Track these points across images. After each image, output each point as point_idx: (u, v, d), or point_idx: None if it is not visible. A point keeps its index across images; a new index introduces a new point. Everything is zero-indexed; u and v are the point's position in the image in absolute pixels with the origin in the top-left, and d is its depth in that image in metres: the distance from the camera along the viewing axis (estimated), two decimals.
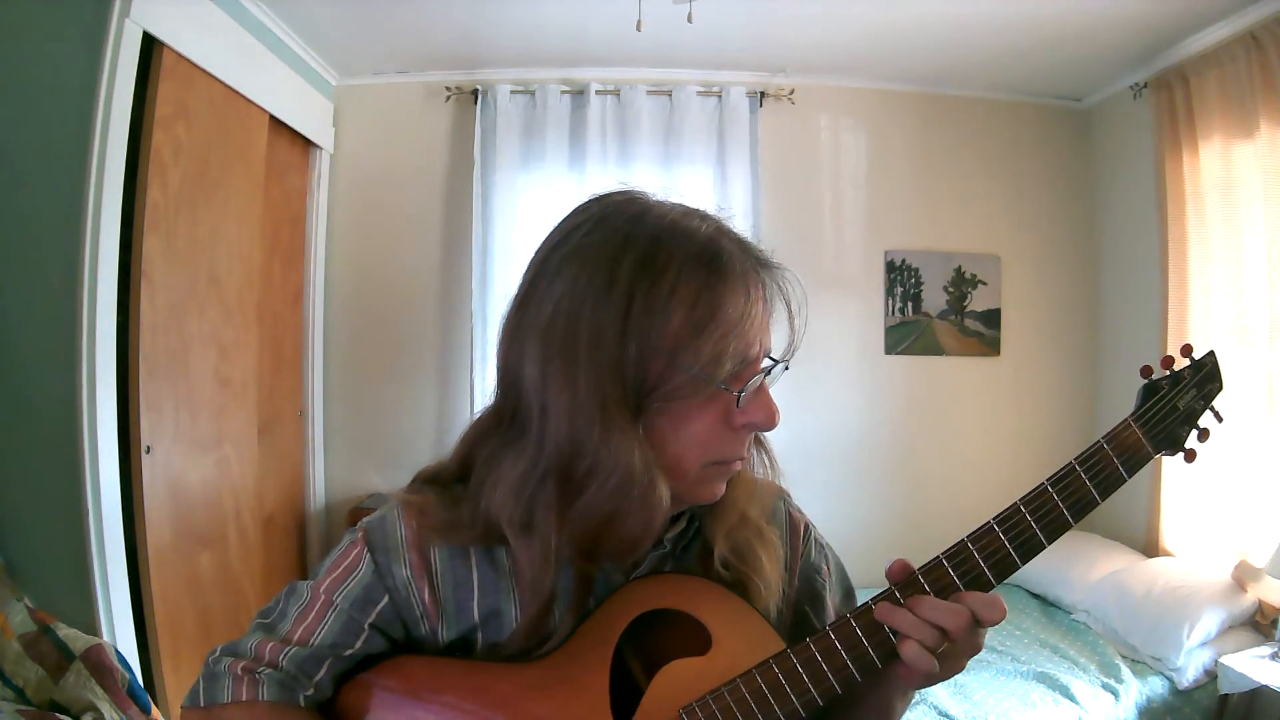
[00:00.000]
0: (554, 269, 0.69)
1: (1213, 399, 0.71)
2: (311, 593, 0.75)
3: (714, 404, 0.69)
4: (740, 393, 0.68)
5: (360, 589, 0.74)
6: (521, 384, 0.70)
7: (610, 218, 0.70)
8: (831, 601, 0.86)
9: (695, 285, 0.66)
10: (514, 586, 0.75)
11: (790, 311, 0.72)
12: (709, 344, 0.65)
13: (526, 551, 0.71)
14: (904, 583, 0.69)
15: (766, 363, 0.71)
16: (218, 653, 0.76)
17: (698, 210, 0.72)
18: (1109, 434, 0.70)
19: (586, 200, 0.74)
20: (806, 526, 0.88)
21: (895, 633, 0.68)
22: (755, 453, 0.79)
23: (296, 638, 0.74)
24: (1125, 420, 0.70)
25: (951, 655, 0.68)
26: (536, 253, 0.73)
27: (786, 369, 0.73)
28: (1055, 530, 0.68)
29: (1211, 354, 0.72)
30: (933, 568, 0.69)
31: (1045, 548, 0.68)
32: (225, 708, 0.73)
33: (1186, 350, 0.72)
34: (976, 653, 0.69)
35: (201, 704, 0.74)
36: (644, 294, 0.65)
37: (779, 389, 0.73)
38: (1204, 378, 0.71)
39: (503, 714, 0.72)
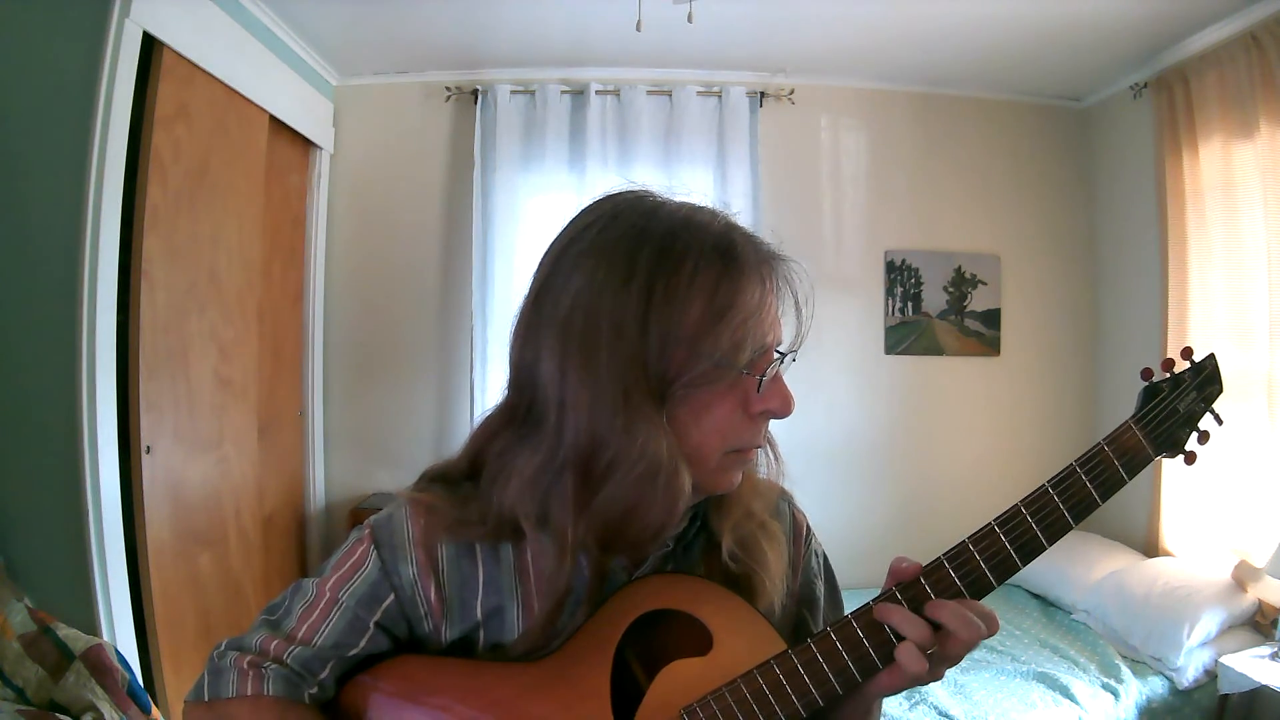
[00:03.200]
0: (570, 265, 0.70)
1: (1213, 401, 0.71)
2: (317, 590, 0.75)
3: (733, 392, 0.70)
4: (761, 378, 0.69)
5: (366, 587, 0.74)
6: (537, 379, 0.71)
7: (624, 214, 0.71)
8: (825, 614, 0.87)
9: (713, 275, 0.67)
10: (517, 584, 0.75)
11: (798, 303, 0.74)
12: (729, 331, 0.67)
13: (542, 545, 0.72)
14: (905, 584, 0.70)
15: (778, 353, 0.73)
16: (223, 647, 0.76)
17: (706, 207, 0.74)
18: (1109, 436, 0.70)
19: (597, 199, 0.75)
20: (808, 530, 0.89)
21: (897, 634, 0.68)
22: (760, 450, 0.79)
23: (301, 636, 0.74)
24: (1126, 423, 0.70)
25: (935, 659, 0.68)
26: (548, 250, 0.73)
27: (795, 360, 0.74)
28: (1056, 532, 0.68)
29: (1211, 356, 0.72)
30: (934, 569, 0.69)
31: (1046, 549, 0.68)
32: (230, 702, 0.73)
33: (1187, 353, 0.72)
34: (956, 663, 0.69)
35: (206, 698, 0.74)
36: (664, 284, 0.66)
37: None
38: (1204, 380, 0.71)
39: (502, 714, 0.72)
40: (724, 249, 0.69)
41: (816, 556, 0.89)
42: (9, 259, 1.99)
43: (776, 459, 0.80)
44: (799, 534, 0.87)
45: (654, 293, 0.66)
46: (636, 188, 0.75)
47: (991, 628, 0.67)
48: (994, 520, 0.69)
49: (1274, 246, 2.60)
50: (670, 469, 0.67)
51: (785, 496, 0.88)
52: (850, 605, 0.73)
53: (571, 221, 0.74)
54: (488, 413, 0.78)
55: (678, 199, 0.74)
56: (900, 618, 0.67)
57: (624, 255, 0.68)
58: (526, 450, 0.71)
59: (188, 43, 2.29)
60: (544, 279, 0.72)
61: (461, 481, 0.77)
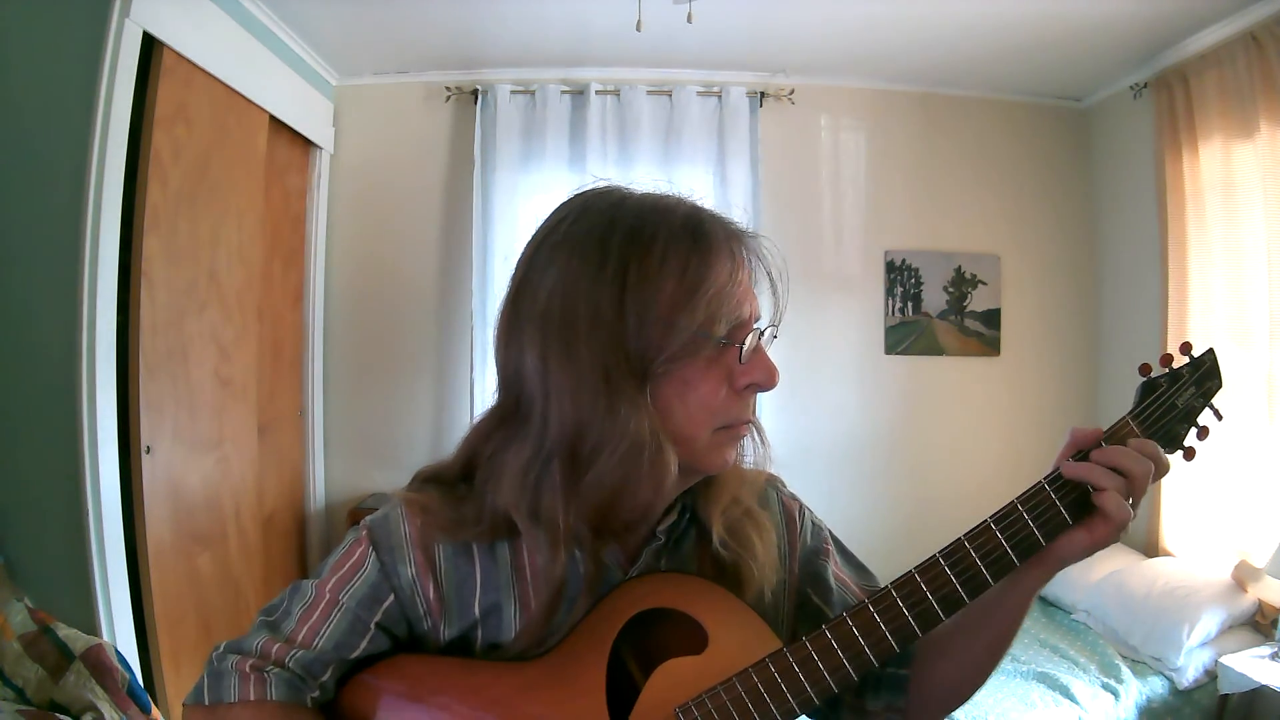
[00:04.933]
0: (544, 260, 0.71)
1: (1212, 397, 0.71)
2: (316, 592, 0.75)
3: (716, 367, 0.71)
4: (742, 347, 0.70)
5: (366, 588, 0.74)
6: (522, 375, 0.71)
7: (593, 206, 0.73)
8: (841, 575, 0.86)
9: (683, 254, 0.69)
10: (514, 582, 0.75)
11: (772, 278, 0.75)
12: (703, 304, 0.68)
13: (536, 538, 0.72)
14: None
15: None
16: (222, 649, 0.76)
17: (671, 194, 0.75)
18: (1107, 432, 0.70)
19: (566, 198, 0.76)
20: (801, 510, 0.88)
21: (1092, 487, 0.67)
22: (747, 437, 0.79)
23: (302, 638, 0.74)
24: (1123, 418, 0.70)
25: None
26: (524, 250, 0.75)
27: (775, 336, 0.75)
28: (1053, 529, 0.68)
29: (1210, 351, 0.72)
30: (929, 566, 0.69)
31: (1043, 547, 0.68)
32: (232, 707, 0.73)
33: (1185, 348, 0.72)
34: (1129, 520, 0.68)
35: (206, 702, 0.74)
36: (636, 267, 0.68)
37: (782, 386, 0.75)
38: (1203, 375, 0.71)
39: (499, 713, 0.72)
40: (692, 228, 0.70)
41: (816, 533, 0.88)
42: (10, 259, 1.99)
43: (763, 442, 0.80)
44: (790, 519, 0.87)
45: (627, 276, 0.68)
46: (602, 182, 0.77)
47: (1163, 460, 0.68)
48: (990, 517, 0.69)
49: (1274, 246, 2.60)
50: (654, 445, 0.68)
51: (773, 483, 0.88)
52: None
53: (544, 220, 0.76)
54: (480, 416, 0.78)
55: (642, 189, 0.75)
56: (1089, 471, 0.67)
57: (595, 243, 0.69)
58: (515, 446, 0.72)
59: (188, 43, 2.29)
60: (520, 277, 0.73)
61: (456, 482, 0.77)
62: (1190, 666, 2.44)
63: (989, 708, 2.33)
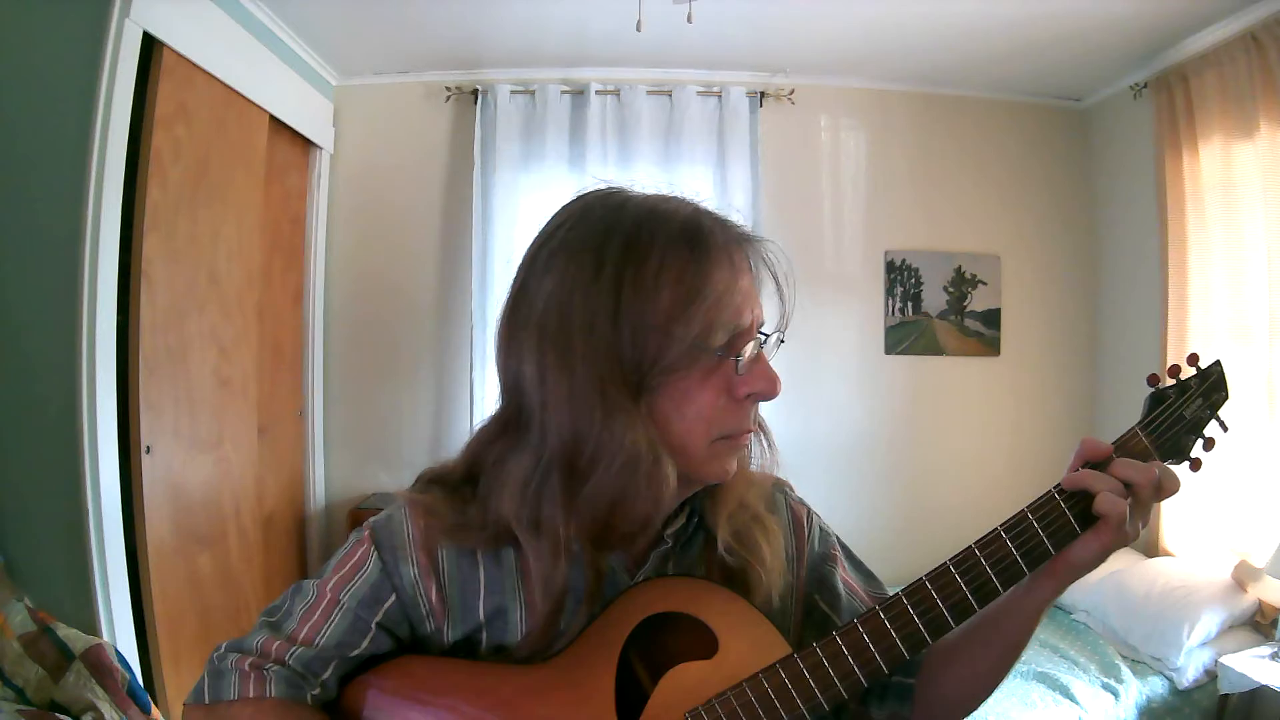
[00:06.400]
0: (542, 266, 0.70)
1: (1219, 408, 0.71)
2: (318, 591, 0.75)
3: (714, 377, 0.69)
4: (738, 359, 0.69)
5: (368, 588, 0.74)
6: (521, 384, 0.71)
7: (592, 209, 0.71)
8: (849, 581, 0.86)
9: (680, 261, 0.67)
10: (519, 586, 0.75)
11: (778, 283, 0.74)
12: (700, 314, 0.67)
13: (537, 548, 0.71)
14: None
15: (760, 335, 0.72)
16: (222, 649, 0.76)
17: (675, 196, 0.74)
18: (1116, 442, 0.69)
19: (568, 200, 0.75)
20: (809, 516, 0.88)
21: (1087, 493, 0.66)
22: (753, 437, 0.78)
23: (302, 637, 0.74)
24: (1132, 429, 0.70)
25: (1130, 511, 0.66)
26: (525, 254, 0.74)
27: (782, 341, 0.74)
28: (1062, 538, 0.67)
29: (1218, 363, 0.72)
30: (940, 574, 0.69)
31: (1052, 555, 0.68)
32: (231, 705, 0.73)
33: (1193, 359, 0.72)
34: (1147, 515, 0.68)
35: (206, 701, 0.74)
36: (632, 275, 0.66)
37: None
38: (1210, 387, 0.71)
39: (504, 715, 0.72)
40: (690, 234, 0.69)
41: (822, 533, 0.88)
42: (9, 259, 1.99)
43: (770, 446, 0.80)
44: (798, 524, 0.86)
45: (623, 284, 0.67)
46: (606, 184, 0.75)
47: (1173, 483, 0.68)
48: (1000, 526, 0.68)
49: (1274, 246, 2.60)
50: (650, 459, 0.67)
51: (781, 487, 0.87)
52: None
53: (545, 224, 0.75)
54: (484, 422, 0.77)
55: (646, 191, 0.74)
56: (1091, 480, 0.66)
57: (592, 251, 0.68)
58: (516, 455, 0.72)
59: (188, 43, 2.28)
60: (520, 283, 0.73)
61: (460, 485, 0.77)
62: (1190, 666, 2.44)
63: (989, 708, 2.32)
